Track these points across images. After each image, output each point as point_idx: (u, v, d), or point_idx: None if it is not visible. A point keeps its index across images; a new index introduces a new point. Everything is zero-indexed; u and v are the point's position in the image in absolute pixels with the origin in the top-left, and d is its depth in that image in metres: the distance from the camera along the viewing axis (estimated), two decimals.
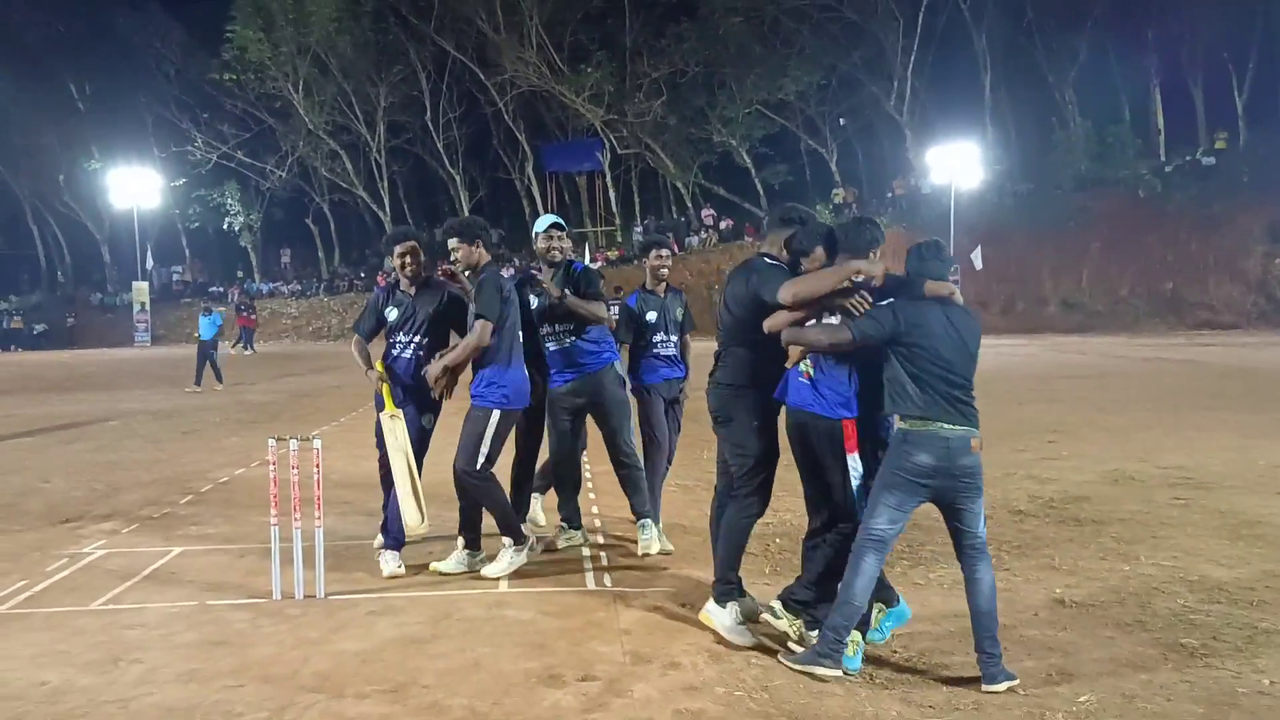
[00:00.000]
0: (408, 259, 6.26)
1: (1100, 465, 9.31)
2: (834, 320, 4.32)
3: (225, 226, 50.95)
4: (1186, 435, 11.21)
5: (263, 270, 53.11)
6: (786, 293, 4.32)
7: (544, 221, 6.31)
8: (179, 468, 10.09)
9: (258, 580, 5.68)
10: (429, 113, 48.01)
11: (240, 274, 52.69)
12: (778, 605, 4.59)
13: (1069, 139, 43.15)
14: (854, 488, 4.35)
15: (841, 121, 47.55)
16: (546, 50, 45.67)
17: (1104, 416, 12.85)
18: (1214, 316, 36.34)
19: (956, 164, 39.37)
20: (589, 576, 5.84)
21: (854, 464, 4.36)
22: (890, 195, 44.32)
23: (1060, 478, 8.71)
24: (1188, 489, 8.17)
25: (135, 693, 4.11)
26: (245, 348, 33.45)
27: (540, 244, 6.27)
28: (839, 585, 4.27)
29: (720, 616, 4.65)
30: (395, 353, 6.02)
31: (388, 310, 6.18)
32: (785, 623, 4.54)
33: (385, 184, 50.11)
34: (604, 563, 6.12)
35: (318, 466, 5.45)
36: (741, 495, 4.69)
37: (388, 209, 50.54)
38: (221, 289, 50.42)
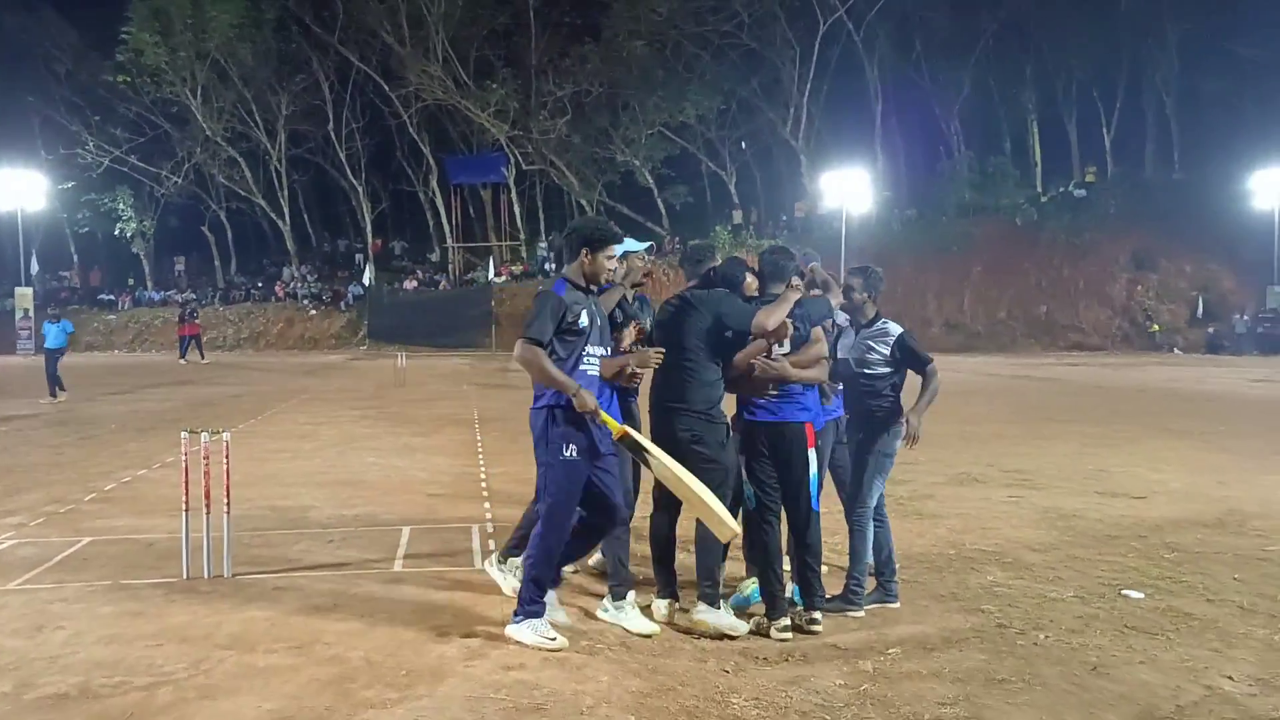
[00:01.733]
0: (618, 260, 5.44)
1: (951, 469, 10.28)
2: (782, 349, 5.08)
3: (117, 232, 49.80)
4: (1033, 443, 12.33)
5: (156, 278, 52.06)
6: (771, 321, 4.96)
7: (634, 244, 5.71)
8: (80, 470, 10.36)
9: (168, 564, 6.18)
10: (331, 123, 47.88)
11: (131, 281, 51.54)
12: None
13: (953, 168, 45.40)
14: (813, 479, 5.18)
15: (742, 145, 49.00)
16: (452, 64, 46.04)
17: (965, 427, 13.94)
18: (1083, 339, 38.58)
19: (848, 189, 41.00)
20: (477, 557, 6.50)
21: (814, 459, 5.15)
22: (786, 218, 45.87)
23: (914, 479, 9.62)
24: (1022, 489, 9.17)
25: (63, 652, 4.62)
26: (182, 357, 32.66)
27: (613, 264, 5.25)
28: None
29: (715, 615, 5.05)
30: (584, 367, 4.94)
31: (577, 316, 4.90)
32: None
33: (285, 193, 49.70)
34: (491, 547, 6.76)
35: (227, 458, 5.98)
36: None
37: (287, 218, 50.16)
38: (113, 296, 49.33)
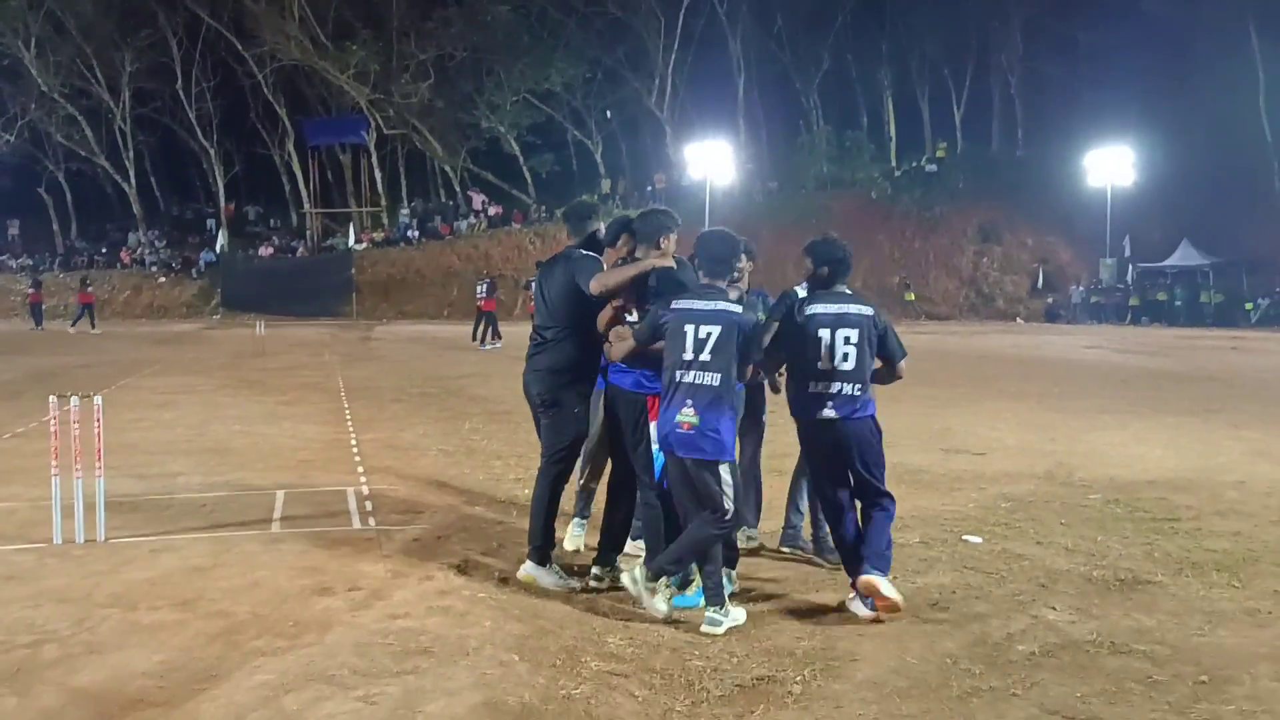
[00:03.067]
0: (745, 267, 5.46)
1: None
2: (632, 317, 5.01)
3: None
4: (883, 405, 12.93)
5: None
6: (596, 284, 4.96)
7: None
8: None
9: (36, 530, 6.09)
10: (180, 81, 45.88)
11: None
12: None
13: (813, 142, 46.61)
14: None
15: (608, 115, 49.16)
16: (309, 24, 44.72)
17: None
18: (933, 308, 40.38)
19: (712, 161, 41.67)
20: (354, 519, 6.62)
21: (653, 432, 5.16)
22: (651, 189, 46.30)
23: (776, 439, 10.07)
24: None
25: None
26: (73, 325, 31.06)
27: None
28: None
29: (543, 575, 5.23)
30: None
31: None
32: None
33: (130, 154, 47.39)
34: (369, 508, 6.89)
35: (98, 421, 5.93)
36: (550, 470, 5.25)
37: (133, 180, 47.91)
38: None
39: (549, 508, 5.29)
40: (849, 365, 4.80)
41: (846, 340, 4.79)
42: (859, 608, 4.84)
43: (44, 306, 33.45)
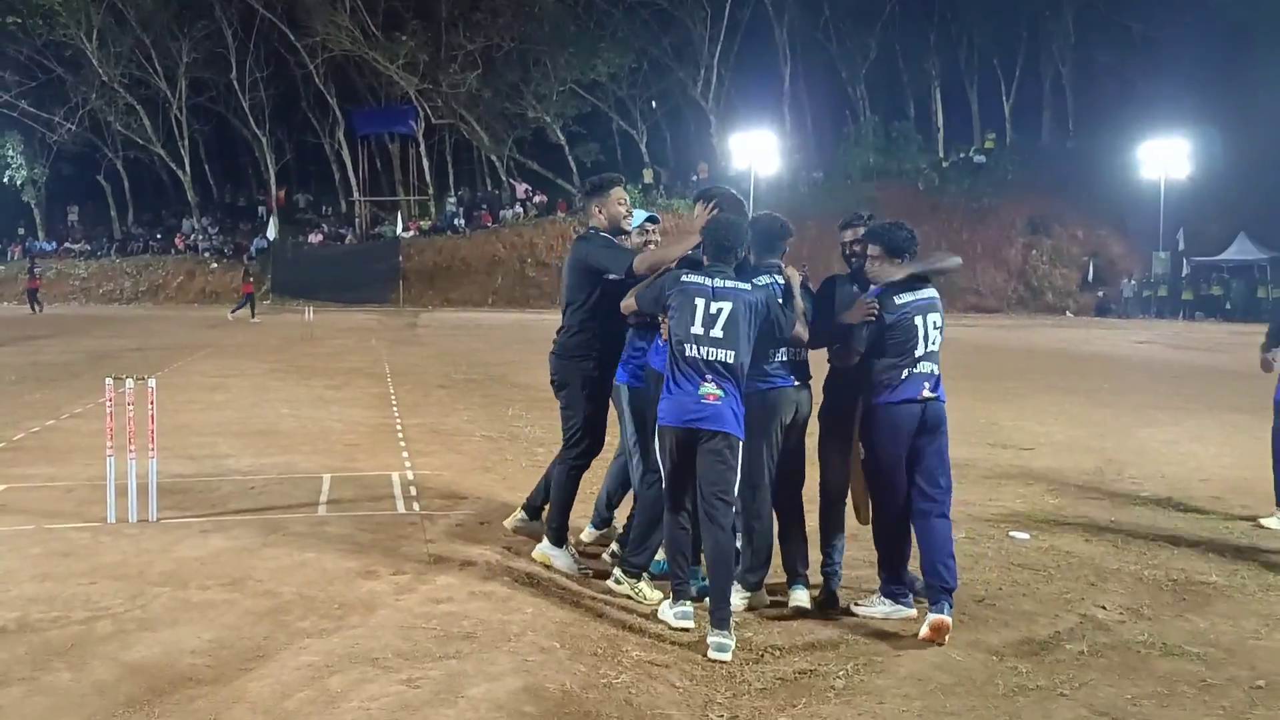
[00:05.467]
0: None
1: None
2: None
3: (5, 180, 47.72)
4: None
5: (48, 228, 50.12)
6: (641, 265, 4.78)
7: (639, 217, 5.50)
8: None
9: (91, 509, 6.21)
10: (234, 71, 46.37)
11: (22, 231, 49.51)
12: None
13: (859, 132, 46.16)
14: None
15: (653, 105, 49.05)
16: (360, 15, 44.98)
17: None
18: (980, 300, 39.87)
19: (757, 151, 41.41)
20: (399, 503, 6.69)
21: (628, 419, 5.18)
22: (695, 178, 46.12)
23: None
24: None
25: None
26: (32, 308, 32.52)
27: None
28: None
29: (558, 557, 5.25)
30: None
31: None
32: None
33: (186, 142, 48.10)
34: (413, 493, 6.95)
35: (152, 403, 6.03)
36: (566, 455, 5.22)
37: (188, 168, 48.63)
38: (2, 246, 47.36)
39: (563, 493, 5.26)
40: (935, 347, 4.81)
41: (934, 325, 4.80)
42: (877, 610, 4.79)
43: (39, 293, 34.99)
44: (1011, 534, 6.19)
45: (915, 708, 3.76)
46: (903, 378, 4.73)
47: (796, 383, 4.89)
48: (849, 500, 5.09)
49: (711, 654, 4.24)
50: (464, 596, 4.70)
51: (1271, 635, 4.56)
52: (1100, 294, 39.75)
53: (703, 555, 4.66)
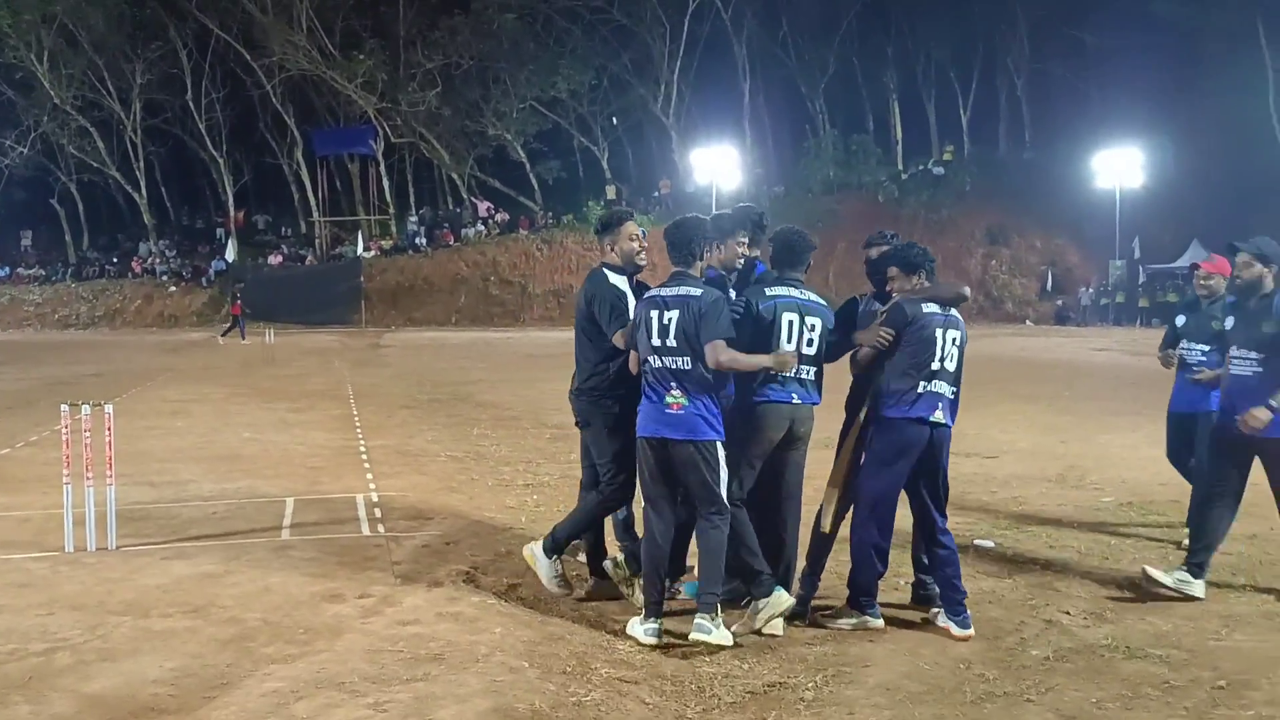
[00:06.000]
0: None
1: (818, 433, 10.78)
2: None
3: None
4: None
5: (0, 254, 49.30)
6: (620, 340, 4.82)
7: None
8: None
9: (49, 538, 6.10)
10: (190, 92, 45.99)
11: None
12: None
13: (819, 146, 46.56)
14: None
15: (614, 121, 49.19)
16: (317, 34, 44.83)
17: (828, 396, 14.53)
18: None
19: (718, 166, 41.64)
20: (364, 525, 6.63)
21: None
22: (656, 194, 46.30)
23: None
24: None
25: None
26: None
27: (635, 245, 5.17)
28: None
29: (544, 566, 5.06)
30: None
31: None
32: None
33: (141, 165, 47.56)
34: (378, 515, 6.89)
35: (109, 429, 5.94)
36: (604, 491, 5.02)
37: (144, 191, 48.08)
38: None
39: (584, 520, 5.16)
40: (952, 366, 4.76)
41: (954, 342, 4.75)
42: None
43: None
44: (976, 542, 6.24)
45: (885, 717, 3.78)
46: (918, 392, 4.69)
47: (795, 399, 4.83)
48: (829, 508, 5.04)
49: (692, 634, 4.42)
50: (431, 618, 4.66)
51: (1231, 635, 4.63)
52: (1059, 302, 40.29)
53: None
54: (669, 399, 4.50)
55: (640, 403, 4.65)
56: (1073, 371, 19.32)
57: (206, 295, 43.66)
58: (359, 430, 11.12)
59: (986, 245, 42.36)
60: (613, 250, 5.11)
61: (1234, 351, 5.31)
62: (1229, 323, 5.43)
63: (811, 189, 45.10)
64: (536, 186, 48.58)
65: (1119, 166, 39.55)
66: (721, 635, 4.46)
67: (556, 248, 44.01)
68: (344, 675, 3.93)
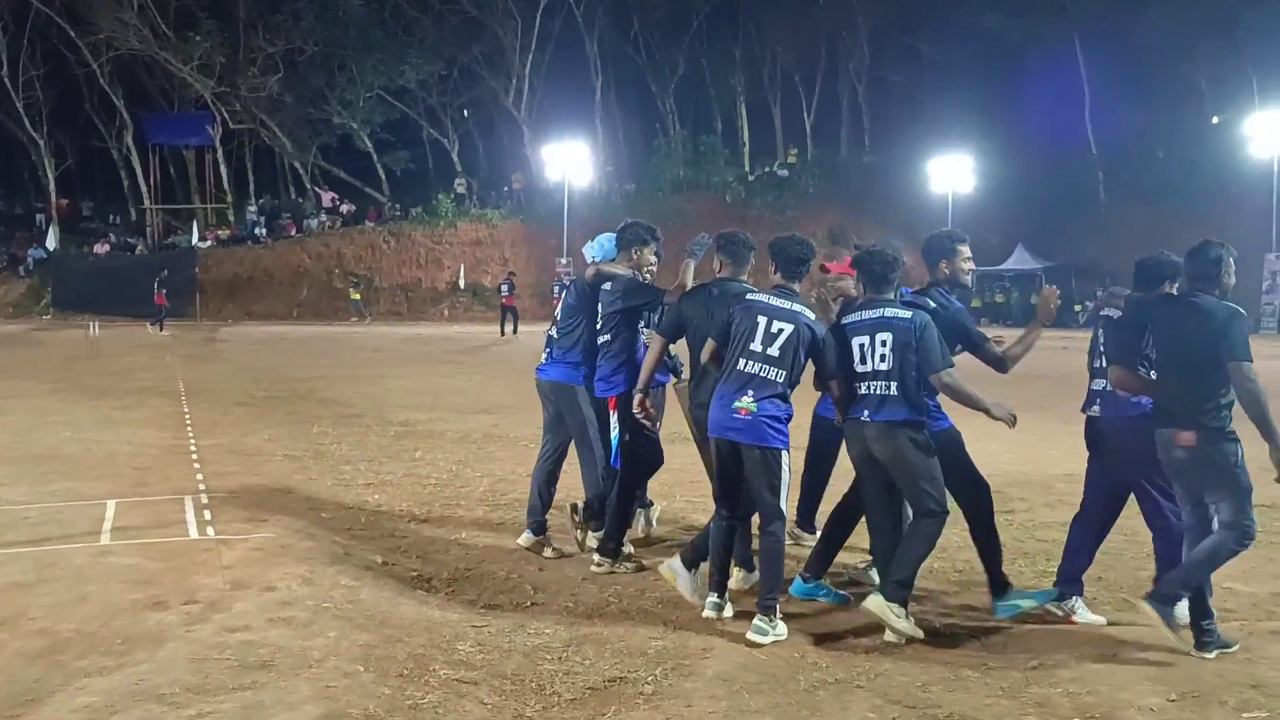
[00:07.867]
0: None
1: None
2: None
3: None
4: None
5: None
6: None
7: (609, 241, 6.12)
8: None
9: None
10: (5, 69, 43.03)
11: None
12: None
13: (669, 145, 47.15)
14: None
15: (464, 113, 48.57)
16: (149, 12, 42.63)
17: None
18: None
19: (570, 162, 41.61)
20: (192, 527, 6.34)
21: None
22: (508, 189, 45.95)
23: None
24: None
25: None
26: None
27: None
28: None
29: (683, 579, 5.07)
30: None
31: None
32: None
33: None
34: (208, 517, 6.60)
35: None
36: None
37: None
38: None
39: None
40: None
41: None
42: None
43: None
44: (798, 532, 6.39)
45: (722, 708, 3.84)
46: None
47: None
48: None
49: (749, 635, 4.53)
50: (262, 624, 4.50)
51: (1043, 619, 4.90)
52: None
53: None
54: (737, 404, 4.68)
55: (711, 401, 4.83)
56: None
57: (25, 285, 40.95)
58: (190, 428, 10.64)
59: (828, 246, 43.63)
60: (631, 259, 5.66)
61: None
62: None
63: (661, 188, 45.60)
64: (384, 178, 47.53)
65: (951, 171, 41.39)
66: (778, 633, 4.58)
67: (405, 240, 43.16)
68: (164, 686, 3.75)
